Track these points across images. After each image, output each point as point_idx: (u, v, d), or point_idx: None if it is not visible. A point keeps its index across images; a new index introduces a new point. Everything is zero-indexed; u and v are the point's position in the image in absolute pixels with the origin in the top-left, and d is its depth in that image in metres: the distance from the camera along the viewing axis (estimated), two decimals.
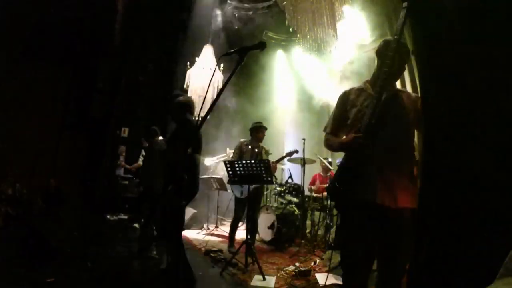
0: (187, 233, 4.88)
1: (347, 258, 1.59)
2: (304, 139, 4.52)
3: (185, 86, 5.96)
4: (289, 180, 5.14)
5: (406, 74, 4.75)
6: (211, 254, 3.61)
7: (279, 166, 5.82)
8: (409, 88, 2.95)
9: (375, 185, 1.43)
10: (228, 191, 4.64)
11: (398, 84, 4.93)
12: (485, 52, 1.27)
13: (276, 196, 5.07)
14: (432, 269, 1.29)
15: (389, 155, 1.46)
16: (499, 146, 1.23)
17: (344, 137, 1.68)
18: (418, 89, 1.78)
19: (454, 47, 1.40)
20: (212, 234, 5.02)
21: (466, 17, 1.34)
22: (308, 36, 3.73)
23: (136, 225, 4.87)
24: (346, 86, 6.48)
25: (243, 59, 1.28)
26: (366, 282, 1.52)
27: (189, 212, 5.43)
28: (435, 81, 1.50)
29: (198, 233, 5.05)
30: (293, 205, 4.63)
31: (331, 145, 1.75)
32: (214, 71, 1.84)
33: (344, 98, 1.72)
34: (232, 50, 1.31)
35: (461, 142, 1.39)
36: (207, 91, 3.05)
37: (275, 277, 2.96)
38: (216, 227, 5.35)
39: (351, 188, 1.52)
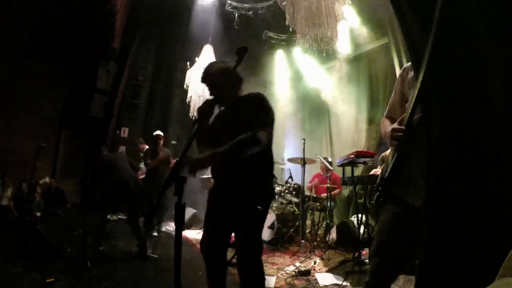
0: (187, 233, 4.88)
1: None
2: (304, 139, 4.51)
3: (185, 86, 5.97)
4: (289, 180, 5.13)
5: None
6: None
7: (279, 166, 5.82)
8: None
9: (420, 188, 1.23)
10: None
11: None
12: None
13: (276, 196, 5.06)
14: (431, 269, 1.28)
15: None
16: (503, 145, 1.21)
17: (395, 124, 1.31)
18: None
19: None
20: None
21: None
22: (308, 36, 3.73)
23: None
24: (346, 86, 6.48)
25: (241, 60, 1.28)
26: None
27: (189, 212, 5.42)
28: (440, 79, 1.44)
29: (198, 233, 5.05)
30: (293, 205, 4.63)
31: (381, 131, 1.43)
32: None
33: (403, 75, 1.38)
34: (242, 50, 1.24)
35: (464, 141, 1.37)
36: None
37: (275, 277, 2.95)
38: None
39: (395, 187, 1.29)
